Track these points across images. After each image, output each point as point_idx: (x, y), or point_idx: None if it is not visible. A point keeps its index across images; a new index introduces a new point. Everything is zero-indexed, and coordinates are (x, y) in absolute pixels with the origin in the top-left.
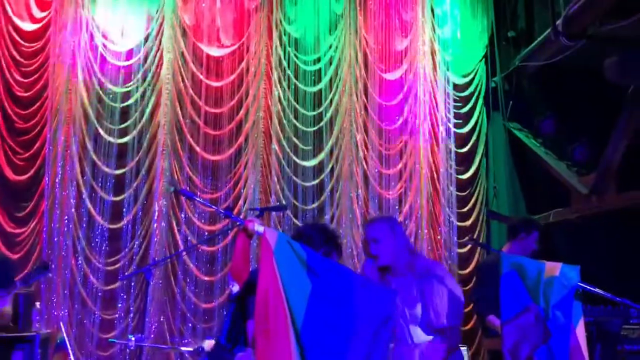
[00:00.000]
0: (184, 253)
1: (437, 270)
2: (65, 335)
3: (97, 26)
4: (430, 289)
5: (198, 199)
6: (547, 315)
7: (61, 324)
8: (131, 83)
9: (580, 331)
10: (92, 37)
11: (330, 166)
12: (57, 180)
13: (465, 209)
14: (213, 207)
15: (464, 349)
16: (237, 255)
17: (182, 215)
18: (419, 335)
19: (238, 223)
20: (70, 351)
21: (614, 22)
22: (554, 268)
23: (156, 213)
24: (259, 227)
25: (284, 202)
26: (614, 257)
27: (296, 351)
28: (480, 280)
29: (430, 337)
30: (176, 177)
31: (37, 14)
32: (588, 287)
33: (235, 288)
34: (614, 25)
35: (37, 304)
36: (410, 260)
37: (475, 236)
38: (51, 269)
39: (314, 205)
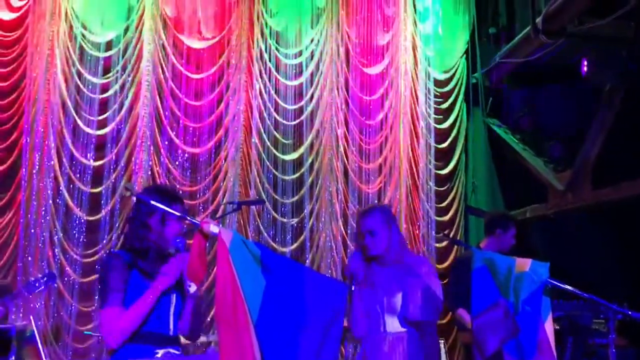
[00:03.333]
0: None
1: (422, 266)
2: (35, 328)
3: (77, 16)
4: (412, 282)
5: (153, 203)
6: (516, 310)
7: (31, 317)
8: (111, 74)
9: (549, 326)
10: (71, 27)
11: (310, 160)
12: (34, 172)
13: (444, 204)
14: (169, 209)
15: (441, 341)
16: (193, 256)
17: None
18: (393, 326)
19: (194, 225)
20: (40, 344)
21: (592, 21)
22: (524, 264)
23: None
24: (214, 228)
25: (263, 196)
26: (588, 253)
27: (256, 343)
28: (454, 276)
29: (404, 330)
30: (155, 170)
31: (15, 2)
32: (557, 283)
33: (193, 288)
34: (592, 25)
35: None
36: (400, 253)
37: (453, 231)
38: (57, 277)
39: (294, 199)
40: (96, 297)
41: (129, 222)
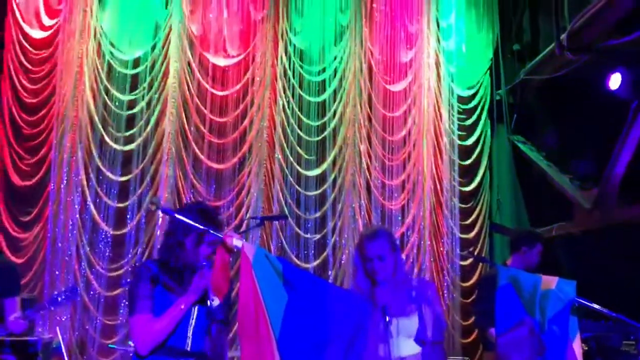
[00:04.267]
0: None
1: (429, 288)
2: (61, 340)
3: (105, 34)
4: (426, 304)
5: (178, 216)
6: (542, 328)
7: (57, 329)
8: (137, 91)
9: (577, 346)
10: (99, 45)
11: (333, 176)
12: (62, 186)
13: (468, 221)
14: (193, 223)
15: None
16: (216, 269)
17: None
18: (408, 348)
19: (217, 239)
20: (65, 356)
21: (617, 38)
22: (550, 282)
23: (160, 220)
24: (237, 242)
25: (286, 212)
26: (616, 272)
27: (279, 358)
28: (480, 294)
29: (419, 349)
30: (180, 185)
31: (47, 21)
32: (585, 302)
33: (216, 302)
34: (618, 41)
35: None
36: (405, 275)
37: (477, 249)
38: (79, 291)
39: (316, 215)
40: (121, 311)
41: (166, 237)
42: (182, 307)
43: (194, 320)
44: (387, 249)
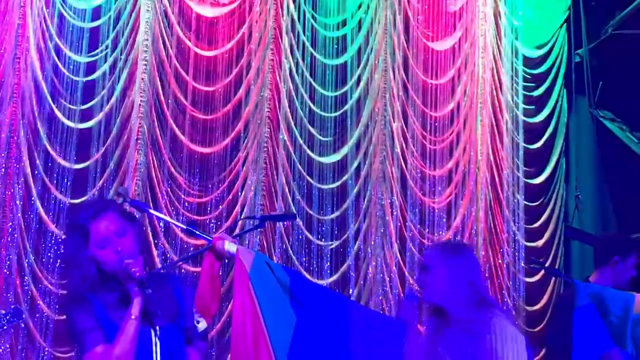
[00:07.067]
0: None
1: (497, 327)
2: None
3: None
4: (485, 352)
5: (152, 212)
6: None
7: None
8: (98, 50)
9: None
10: None
11: (355, 164)
12: None
13: (537, 225)
14: (172, 221)
15: None
16: (203, 281)
17: (161, 225)
18: None
19: (205, 241)
20: None
21: None
22: None
23: None
24: (230, 246)
25: (293, 210)
26: None
27: None
28: (556, 322)
29: None
30: (154, 175)
31: None
32: None
33: (202, 325)
34: None
35: None
36: (474, 309)
37: (548, 261)
38: (24, 314)
39: (334, 215)
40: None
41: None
42: (133, 317)
43: (157, 347)
44: (435, 260)
